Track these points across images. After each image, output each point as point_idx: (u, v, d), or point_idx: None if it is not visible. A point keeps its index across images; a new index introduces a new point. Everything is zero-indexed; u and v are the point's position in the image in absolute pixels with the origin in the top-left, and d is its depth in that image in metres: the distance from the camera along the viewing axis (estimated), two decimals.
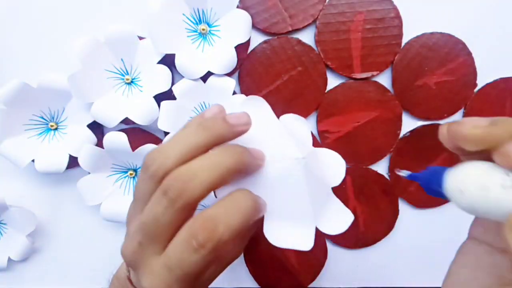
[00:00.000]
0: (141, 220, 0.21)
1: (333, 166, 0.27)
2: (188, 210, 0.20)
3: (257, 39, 0.40)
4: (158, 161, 0.21)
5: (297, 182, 0.23)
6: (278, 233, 0.23)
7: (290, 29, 0.39)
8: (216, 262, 0.24)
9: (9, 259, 0.41)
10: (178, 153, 0.21)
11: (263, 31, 0.39)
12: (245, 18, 0.36)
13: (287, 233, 0.23)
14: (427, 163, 0.42)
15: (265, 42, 0.39)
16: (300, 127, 0.26)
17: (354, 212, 0.42)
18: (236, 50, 0.36)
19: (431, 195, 0.19)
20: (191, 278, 0.20)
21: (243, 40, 0.36)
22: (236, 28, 0.36)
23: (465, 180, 0.17)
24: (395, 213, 0.42)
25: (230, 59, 0.36)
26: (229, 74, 0.38)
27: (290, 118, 0.27)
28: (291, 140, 0.24)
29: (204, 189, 0.20)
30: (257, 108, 0.25)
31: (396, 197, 0.42)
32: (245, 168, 0.22)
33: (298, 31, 0.40)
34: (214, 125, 0.22)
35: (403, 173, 0.22)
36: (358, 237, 0.43)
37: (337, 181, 0.26)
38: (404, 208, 0.43)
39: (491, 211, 0.16)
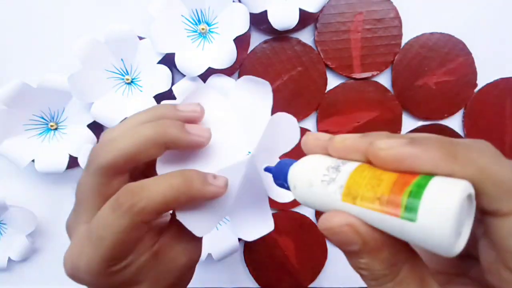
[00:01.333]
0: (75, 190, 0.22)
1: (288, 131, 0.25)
2: (101, 173, 0.20)
3: (257, 39, 0.40)
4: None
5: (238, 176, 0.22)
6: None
7: None
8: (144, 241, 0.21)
9: (9, 259, 0.41)
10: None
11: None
12: (242, 10, 0.36)
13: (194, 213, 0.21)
14: None
15: (265, 42, 0.39)
16: (256, 91, 0.24)
17: None
18: (236, 48, 0.36)
19: (281, 187, 0.20)
20: (110, 245, 0.19)
21: (241, 32, 0.36)
22: (235, 21, 0.36)
23: (296, 176, 0.17)
24: None
25: (230, 53, 0.36)
26: (229, 74, 0.38)
27: (245, 82, 0.24)
28: (242, 135, 0.23)
29: (117, 154, 0.20)
30: (203, 101, 0.24)
31: None
32: (172, 142, 0.21)
33: (298, 31, 0.40)
34: (170, 124, 0.21)
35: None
36: None
37: (290, 146, 0.25)
38: None
39: (319, 205, 0.16)
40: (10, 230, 0.41)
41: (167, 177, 0.20)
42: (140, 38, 0.38)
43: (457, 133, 0.41)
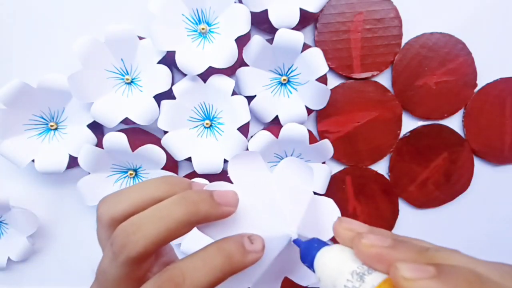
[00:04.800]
0: (97, 269, 0.20)
1: (328, 217, 0.24)
2: (133, 264, 0.19)
3: None
4: (107, 205, 0.20)
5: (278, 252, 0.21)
6: None
7: None
8: None
9: (9, 259, 0.41)
10: (131, 201, 0.20)
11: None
12: (243, 11, 0.36)
13: None
14: (427, 163, 0.42)
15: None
16: (300, 173, 0.23)
17: (354, 212, 0.42)
18: (237, 46, 0.36)
19: (305, 265, 0.19)
20: None
21: (242, 33, 0.36)
22: (236, 22, 0.36)
23: (322, 269, 0.17)
24: (395, 213, 0.42)
25: (231, 53, 0.36)
26: (229, 74, 0.38)
27: (290, 163, 0.23)
28: (283, 210, 0.22)
29: (148, 244, 0.18)
30: (249, 166, 0.22)
31: (396, 197, 0.42)
32: (203, 218, 0.20)
33: (298, 31, 0.40)
34: (198, 199, 0.20)
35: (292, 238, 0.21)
36: None
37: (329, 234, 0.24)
38: (404, 208, 0.43)
39: None
40: (11, 230, 0.41)
41: (205, 257, 0.19)
42: (140, 38, 0.38)
43: (457, 133, 0.41)
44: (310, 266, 0.18)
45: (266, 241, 0.21)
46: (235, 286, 0.21)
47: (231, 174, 0.22)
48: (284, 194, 0.22)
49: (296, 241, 0.20)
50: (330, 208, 0.23)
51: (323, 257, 0.17)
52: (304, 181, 0.22)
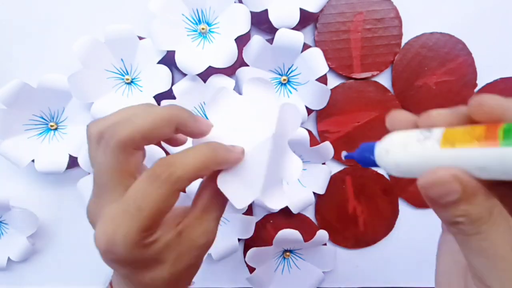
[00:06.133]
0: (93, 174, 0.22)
1: (292, 118, 0.26)
2: (123, 151, 0.21)
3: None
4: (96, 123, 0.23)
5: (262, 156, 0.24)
6: (228, 182, 0.23)
7: None
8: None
9: (9, 259, 0.41)
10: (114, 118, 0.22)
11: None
12: (243, 11, 0.36)
13: (234, 187, 0.23)
14: None
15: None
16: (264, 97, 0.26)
17: (354, 212, 0.42)
18: (237, 46, 0.36)
19: (366, 167, 0.21)
20: (149, 214, 0.20)
21: (243, 32, 0.36)
22: (236, 22, 0.36)
23: (389, 142, 0.19)
24: (395, 213, 0.42)
25: (231, 52, 0.36)
26: (229, 74, 0.38)
27: (253, 87, 0.26)
28: (259, 124, 0.25)
29: (135, 131, 0.21)
30: (223, 102, 0.25)
31: (396, 197, 0.42)
32: (182, 124, 0.22)
33: (298, 31, 0.40)
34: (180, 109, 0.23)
35: (343, 154, 0.23)
36: (358, 237, 0.43)
37: (295, 129, 0.27)
38: (404, 208, 0.43)
39: (414, 162, 0.18)
40: (11, 230, 0.41)
41: (196, 148, 0.22)
42: (140, 38, 0.38)
43: None
44: (371, 155, 0.20)
45: (253, 148, 0.23)
46: (247, 197, 0.23)
47: (211, 113, 0.25)
48: (255, 111, 0.25)
49: (348, 155, 0.22)
50: (293, 110, 0.26)
51: (385, 139, 0.19)
52: (268, 93, 0.25)
